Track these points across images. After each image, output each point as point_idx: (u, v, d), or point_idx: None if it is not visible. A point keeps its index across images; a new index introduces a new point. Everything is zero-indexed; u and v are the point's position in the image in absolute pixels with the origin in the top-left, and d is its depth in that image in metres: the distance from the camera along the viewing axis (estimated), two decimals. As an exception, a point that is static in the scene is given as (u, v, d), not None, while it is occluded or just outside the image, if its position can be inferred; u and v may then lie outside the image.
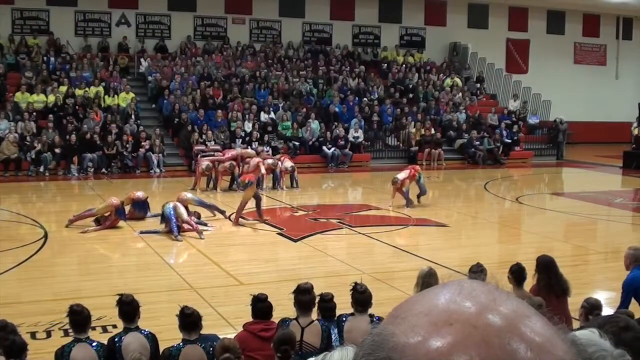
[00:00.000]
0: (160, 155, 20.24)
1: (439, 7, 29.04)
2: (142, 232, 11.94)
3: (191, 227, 11.85)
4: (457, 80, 27.27)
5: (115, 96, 22.00)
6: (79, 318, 5.10)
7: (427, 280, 6.01)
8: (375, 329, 0.76)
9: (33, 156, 19.11)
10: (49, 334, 6.93)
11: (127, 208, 12.97)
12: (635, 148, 23.88)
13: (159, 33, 25.56)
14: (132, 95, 22.15)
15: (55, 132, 19.68)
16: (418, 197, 14.87)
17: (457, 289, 0.76)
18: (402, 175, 14.52)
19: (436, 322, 0.72)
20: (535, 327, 0.73)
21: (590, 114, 30.11)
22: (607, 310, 7.11)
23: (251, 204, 13.17)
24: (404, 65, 27.22)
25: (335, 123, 22.75)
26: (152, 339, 5.29)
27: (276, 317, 5.72)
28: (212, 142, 20.27)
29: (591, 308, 5.35)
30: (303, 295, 5.55)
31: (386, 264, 10.42)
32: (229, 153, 17.64)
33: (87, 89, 21.72)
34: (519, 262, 6.63)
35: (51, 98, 21.07)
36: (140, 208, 13.14)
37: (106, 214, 12.28)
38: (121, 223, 12.56)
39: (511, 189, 20.32)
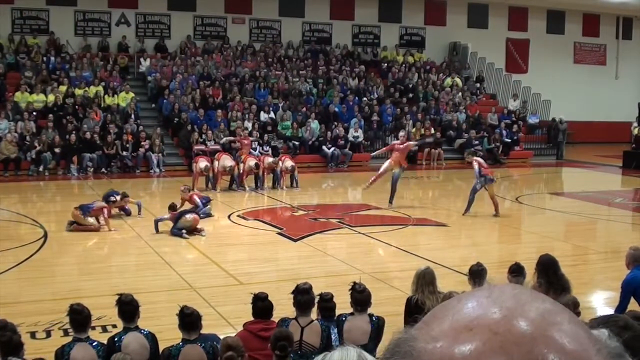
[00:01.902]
0: (160, 155, 20.24)
1: (439, 6, 29.04)
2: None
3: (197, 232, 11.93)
4: (457, 80, 27.27)
5: (115, 96, 21.99)
6: (79, 317, 5.10)
7: (423, 279, 6.01)
8: (400, 333, 0.74)
9: (33, 156, 19.10)
10: (48, 333, 6.93)
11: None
12: (635, 148, 23.88)
13: (158, 33, 25.55)
14: (132, 95, 22.15)
15: (55, 132, 19.68)
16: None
17: (485, 293, 0.72)
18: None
19: (456, 328, 0.69)
20: (565, 334, 0.68)
21: (590, 114, 30.10)
22: (605, 310, 7.12)
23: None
24: (403, 65, 27.22)
25: (335, 123, 22.75)
26: (151, 338, 5.28)
27: (276, 316, 5.71)
28: (212, 142, 20.26)
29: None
30: (302, 296, 5.54)
31: (386, 263, 10.43)
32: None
33: (86, 88, 21.71)
34: (518, 262, 6.63)
35: (51, 98, 21.07)
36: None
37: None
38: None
39: (511, 188, 20.30)
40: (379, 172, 14.59)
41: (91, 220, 12.18)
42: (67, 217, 12.48)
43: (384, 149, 15.46)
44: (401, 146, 14.66)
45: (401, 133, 15.47)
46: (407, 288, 6.87)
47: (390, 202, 14.54)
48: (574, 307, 5.27)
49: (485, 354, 0.66)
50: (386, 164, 14.46)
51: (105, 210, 12.37)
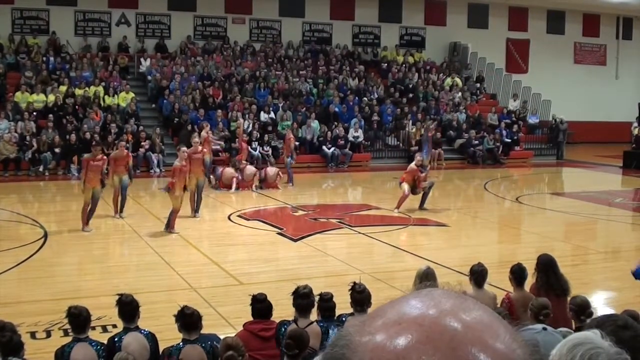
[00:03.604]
0: (160, 155, 20.25)
1: (439, 7, 29.04)
2: None
3: None
4: (457, 80, 27.26)
5: (115, 96, 22.00)
6: (78, 320, 5.09)
7: (425, 279, 6.00)
8: (340, 329, 0.81)
9: (30, 156, 19.10)
10: (48, 333, 6.93)
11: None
12: (635, 148, 23.89)
13: (159, 33, 25.55)
14: (132, 95, 22.16)
15: (55, 132, 19.68)
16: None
17: (417, 295, 0.80)
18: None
19: (388, 323, 0.76)
20: (491, 332, 0.74)
21: (590, 114, 30.11)
22: (605, 310, 7.11)
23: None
24: (404, 65, 27.21)
25: (335, 123, 22.75)
26: (151, 338, 5.28)
27: (276, 316, 5.72)
28: (215, 136, 20.22)
29: (579, 309, 5.27)
30: (302, 300, 5.53)
31: (386, 264, 10.43)
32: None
33: (87, 88, 21.71)
34: (520, 262, 6.62)
35: (51, 98, 21.06)
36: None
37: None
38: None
39: (511, 188, 20.32)
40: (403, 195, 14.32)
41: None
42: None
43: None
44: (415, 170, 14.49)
45: (418, 157, 15.12)
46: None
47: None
48: (584, 307, 5.24)
49: (412, 344, 0.72)
50: (406, 187, 14.18)
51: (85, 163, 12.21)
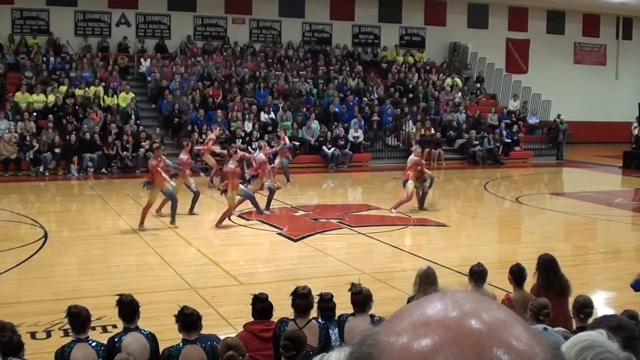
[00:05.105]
0: (160, 155, 20.23)
1: (439, 7, 29.04)
2: None
3: None
4: (457, 80, 27.27)
5: (115, 96, 22.00)
6: (78, 319, 5.09)
7: (425, 279, 6.00)
8: (365, 329, 0.82)
9: (31, 156, 19.11)
10: (49, 334, 6.93)
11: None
12: (635, 148, 23.89)
13: (158, 33, 25.56)
14: (132, 95, 22.16)
15: (55, 132, 19.68)
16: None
17: (441, 296, 0.81)
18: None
19: (415, 324, 0.78)
20: (513, 333, 0.76)
21: (590, 114, 30.10)
22: (605, 310, 7.12)
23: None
24: (403, 65, 27.21)
25: (335, 123, 22.75)
26: (152, 338, 5.28)
27: (276, 317, 5.72)
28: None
29: (580, 307, 5.30)
30: (301, 300, 5.53)
31: (386, 264, 10.43)
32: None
33: (86, 89, 21.71)
34: (519, 263, 6.62)
35: (51, 98, 21.07)
36: None
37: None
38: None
39: (511, 188, 20.32)
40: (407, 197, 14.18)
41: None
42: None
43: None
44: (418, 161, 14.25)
45: (417, 148, 14.77)
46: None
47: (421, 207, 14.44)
48: (584, 306, 5.27)
49: (439, 345, 0.74)
50: (410, 188, 14.02)
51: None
